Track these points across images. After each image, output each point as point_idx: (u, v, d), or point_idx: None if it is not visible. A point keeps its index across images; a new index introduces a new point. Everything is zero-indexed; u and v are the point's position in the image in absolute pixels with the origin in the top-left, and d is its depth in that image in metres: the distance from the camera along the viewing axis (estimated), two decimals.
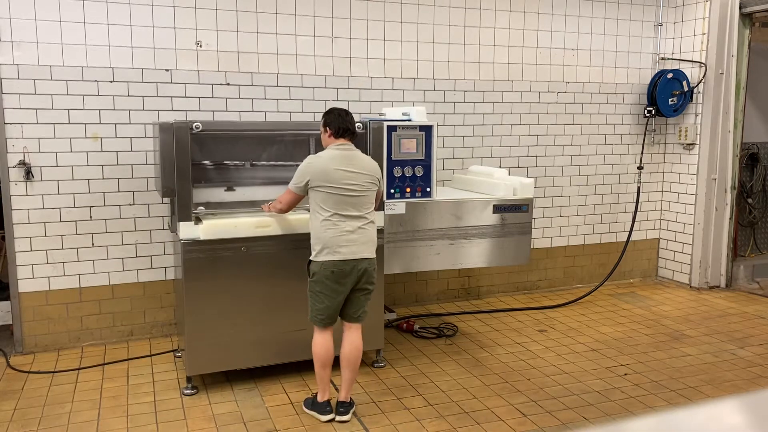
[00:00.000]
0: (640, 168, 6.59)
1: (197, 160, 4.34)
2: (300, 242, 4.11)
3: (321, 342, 3.74)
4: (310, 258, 3.71)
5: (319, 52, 5.28)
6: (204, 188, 4.43)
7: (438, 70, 5.71)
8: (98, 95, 4.72)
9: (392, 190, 4.31)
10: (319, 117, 5.25)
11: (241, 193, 4.55)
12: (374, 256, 3.76)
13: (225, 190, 4.48)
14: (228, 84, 5.04)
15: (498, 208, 4.60)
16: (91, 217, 4.81)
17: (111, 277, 4.91)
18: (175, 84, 4.90)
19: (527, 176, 5.70)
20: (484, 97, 5.92)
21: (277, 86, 5.18)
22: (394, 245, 4.36)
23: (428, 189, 4.40)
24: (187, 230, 3.93)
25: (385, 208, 4.31)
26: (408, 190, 4.35)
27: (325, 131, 3.82)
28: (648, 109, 6.44)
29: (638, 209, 6.61)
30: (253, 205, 4.41)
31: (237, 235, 4.00)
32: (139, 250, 4.96)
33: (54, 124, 4.64)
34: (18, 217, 4.63)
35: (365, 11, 5.39)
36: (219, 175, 4.57)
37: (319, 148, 4.58)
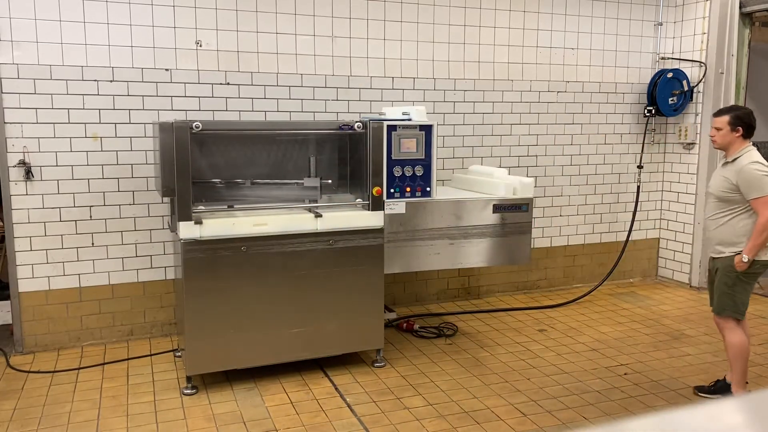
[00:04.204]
0: (639, 167, 6.60)
1: (196, 178, 4.23)
2: (300, 242, 4.12)
3: (744, 335, 3.93)
4: (747, 257, 3.70)
5: (318, 52, 5.28)
6: (203, 206, 4.28)
7: (438, 69, 5.70)
8: (98, 95, 4.72)
9: (392, 190, 4.31)
10: (318, 117, 5.30)
11: (242, 213, 4.41)
12: None
13: (226, 209, 4.40)
14: (228, 83, 5.04)
15: (498, 208, 4.60)
16: (91, 216, 4.81)
17: (111, 276, 4.91)
18: (175, 84, 4.90)
19: (527, 176, 5.70)
20: (484, 97, 5.91)
21: (277, 86, 5.18)
22: (394, 245, 4.36)
23: (428, 189, 4.40)
24: (187, 230, 3.93)
25: (385, 207, 4.31)
26: (408, 189, 4.35)
27: (737, 131, 3.73)
28: (648, 108, 6.44)
29: (638, 209, 6.61)
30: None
31: (236, 234, 4.00)
32: (139, 250, 4.96)
33: (54, 123, 4.64)
34: (18, 216, 4.63)
35: (365, 11, 5.39)
36: (219, 193, 4.47)
37: (320, 148, 4.61)
